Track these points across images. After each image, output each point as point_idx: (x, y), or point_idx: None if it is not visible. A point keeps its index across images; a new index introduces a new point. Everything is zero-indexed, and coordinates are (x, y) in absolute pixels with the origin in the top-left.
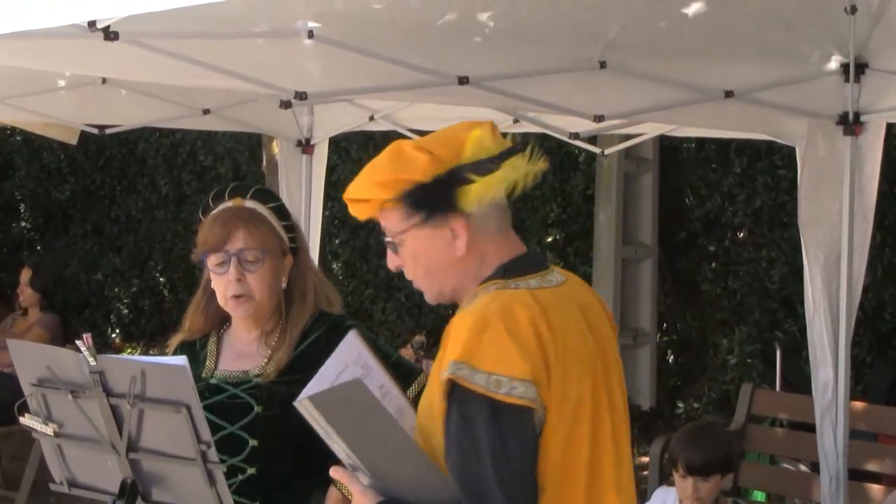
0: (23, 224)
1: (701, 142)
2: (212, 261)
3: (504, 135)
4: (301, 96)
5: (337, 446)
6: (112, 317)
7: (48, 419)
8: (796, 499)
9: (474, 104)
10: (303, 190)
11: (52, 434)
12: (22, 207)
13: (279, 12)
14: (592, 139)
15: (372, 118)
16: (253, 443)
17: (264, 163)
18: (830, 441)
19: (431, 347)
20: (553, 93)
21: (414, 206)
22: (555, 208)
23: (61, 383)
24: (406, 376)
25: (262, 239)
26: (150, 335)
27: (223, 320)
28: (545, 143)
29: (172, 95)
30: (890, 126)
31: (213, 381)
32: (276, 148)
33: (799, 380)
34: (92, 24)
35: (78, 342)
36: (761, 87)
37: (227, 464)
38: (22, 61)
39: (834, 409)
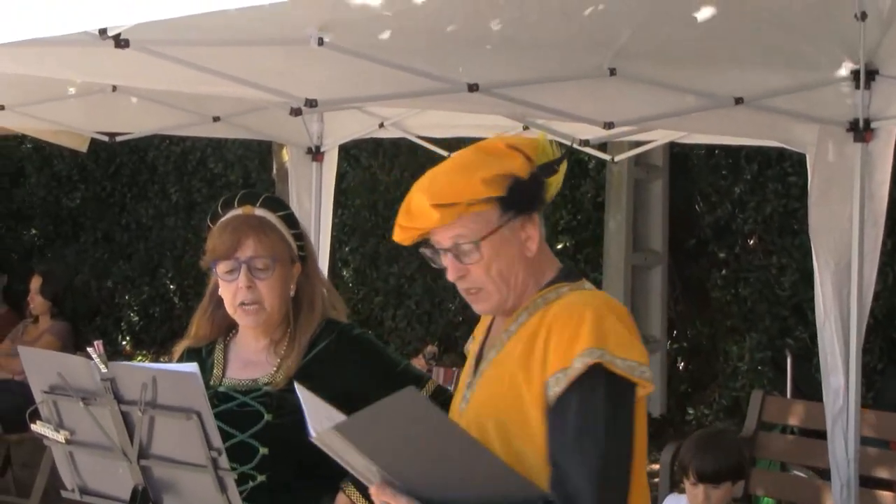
0: (33, 232)
1: (711, 149)
2: (221, 268)
3: None
4: (311, 104)
5: (360, 467)
6: (122, 324)
7: (59, 426)
8: None
9: (484, 111)
10: (313, 197)
11: (63, 441)
12: (32, 215)
13: (289, 20)
14: (602, 146)
15: (382, 125)
16: (263, 451)
17: (274, 170)
18: (841, 448)
19: (442, 356)
20: (563, 100)
21: (511, 203)
22: (565, 215)
23: (72, 390)
24: (414, 384)
25: (272, 247)
26: (161, 342)
27: (229, 328)
28: None
29: (183, 103)
30: None
31: (221, 389)
32: (286, 155)
33: (810, 387)
34: (102, 31)
35: (89, 349)
36: (772, 93)
37: (238, 472)
38: (32, 69)
39: (845, 416)
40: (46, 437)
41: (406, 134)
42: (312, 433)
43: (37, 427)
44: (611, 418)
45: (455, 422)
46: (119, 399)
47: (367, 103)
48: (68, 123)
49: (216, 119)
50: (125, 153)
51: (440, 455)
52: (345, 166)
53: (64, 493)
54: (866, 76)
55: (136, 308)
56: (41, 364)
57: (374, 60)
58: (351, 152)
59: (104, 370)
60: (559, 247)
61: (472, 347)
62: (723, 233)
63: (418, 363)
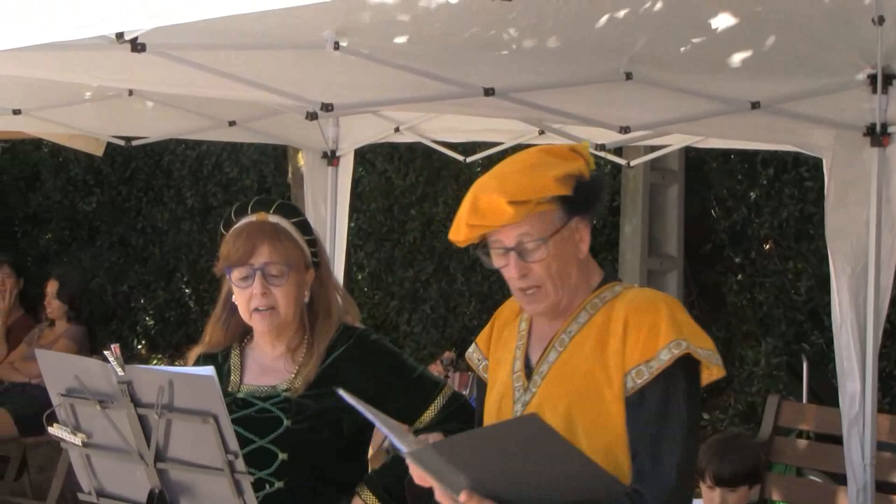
0: (49, 236)
1: (727, 153)
2: (236, 275)
3: None
4: (327, 108)
5: (447, 477)
6: (138, 328)
7: (76, 429)
8: None
9: (500, 115)
10: (328, 201)
11: (80, 444)
12: (49, 219)
13: (305, 24)
14: (618, 150)
15: (397, 130)
16: (283, 456)
17: (290, 174)
18: (857, 453)
19: (457, 361)
20: (579, 104)
21: (574, 203)
22: None
23: (89, 393)
24: (430, 390)
25: (286, 253)
26: (176, 346)
27: (243, 334)
28: None
29: (198, 107)
30: None
31: (240, 395)
32: (301, 159)
33: (825, 391)
34: (119, 35)
35: (106, 352)
36: (788, 98)
37: (256, 476)
38: (49, 73)
39: (861, 421)
40: (63, 440)
41: (422, 138)
42: (403, 450)
43: (54, 430)
44: (691, 410)
45: (570, 442)
46: (136, 402)
47: (383, 107)
48: (84, 127)
49: (232, 123)
50: (141, 157)
51: (540, 467)
52: (360, 170)
53: (80, 496)
54: (883, 81)
55: (151, 312)
56: (58, 367)
57: (389, 65)
58: (366, 156)
59: (121, 373)
60: None
61: (501, 355)
62: (738, 237)
63: (435, 369)
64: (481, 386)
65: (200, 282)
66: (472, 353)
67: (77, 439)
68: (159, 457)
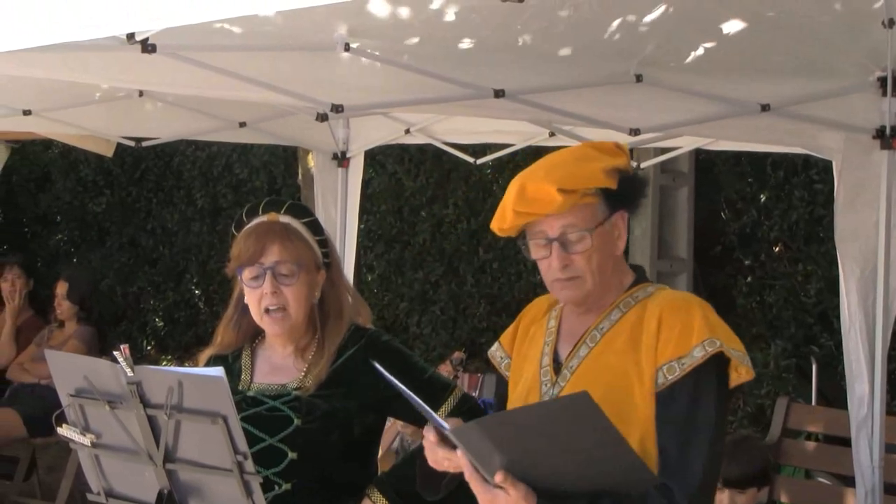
0: (59, 236)
1: (737, 155)
2: (246, 275)
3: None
4: (337, 109)
5: (484, 456)
6: (147, 329)
7: (86, 430)
8: None
9: (510, 117)
10: (338, 203)
11: (89, 444)
12: (58, 220)
13: (316, 25)
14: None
15: (408, 131)
16: (292, 455)
17: (300, 176)
18: (866, 455)
19: (467, 362)
20: (589, 106)
21: (617, 197)
22: None
23: (99, 394)
24: (440, 391)
25: (296, 253)
26: (185, 347)
27: (254, 335)
28: None
29: (209, 108)
30: None
31: (250, 393)
32: (311, 161)
33: (834, 394)
34: (130, 36)
35: (115, 353)
36: (798, 100)
37: (264, 475)
38: (59, 74)
39: (870, 424)
40: (72, 441)
41: (432, 140)
42: (446, 427)
43: (63, 430)
44: (719, 409)
45: (614, 426)
46: (145, 403)
47: (393, 109)
48: (94, 128)
49: (242, 124)
50: (151, 158)
51: (579, 449)
52: (370, 172)
53: (89, 497)
54: (893, 83)
55: (160, 313)
56: (68, 367)
57: (400, 66)
58: (377, 158)
59: (130, 374)
60: None
61: (528, 351)
62: (748, 240)
63: (445, 370)
64: (501, 383)
65: (210, 283)
66: (495, 350)
67: (86, 440)
68: (168, 458)
